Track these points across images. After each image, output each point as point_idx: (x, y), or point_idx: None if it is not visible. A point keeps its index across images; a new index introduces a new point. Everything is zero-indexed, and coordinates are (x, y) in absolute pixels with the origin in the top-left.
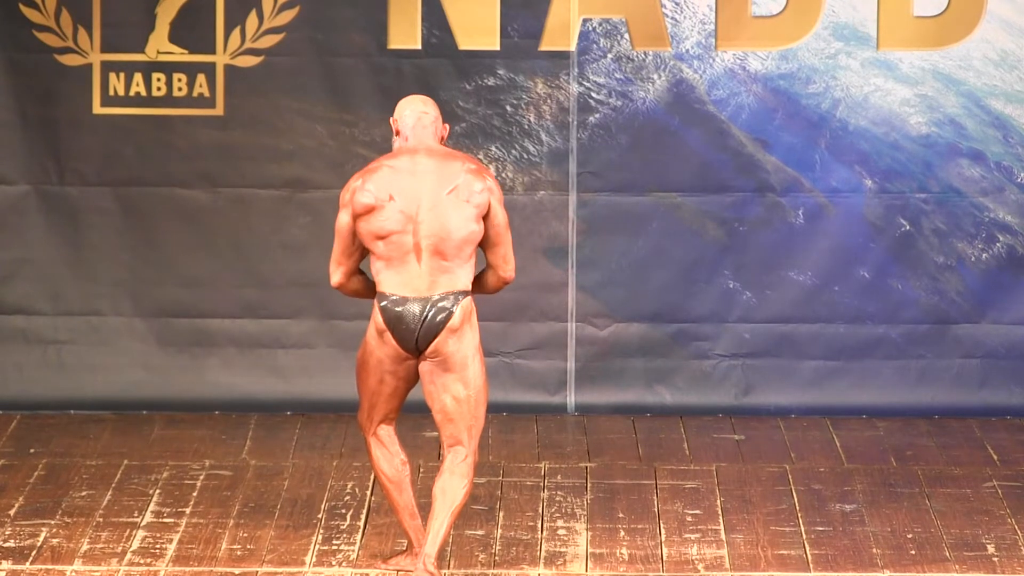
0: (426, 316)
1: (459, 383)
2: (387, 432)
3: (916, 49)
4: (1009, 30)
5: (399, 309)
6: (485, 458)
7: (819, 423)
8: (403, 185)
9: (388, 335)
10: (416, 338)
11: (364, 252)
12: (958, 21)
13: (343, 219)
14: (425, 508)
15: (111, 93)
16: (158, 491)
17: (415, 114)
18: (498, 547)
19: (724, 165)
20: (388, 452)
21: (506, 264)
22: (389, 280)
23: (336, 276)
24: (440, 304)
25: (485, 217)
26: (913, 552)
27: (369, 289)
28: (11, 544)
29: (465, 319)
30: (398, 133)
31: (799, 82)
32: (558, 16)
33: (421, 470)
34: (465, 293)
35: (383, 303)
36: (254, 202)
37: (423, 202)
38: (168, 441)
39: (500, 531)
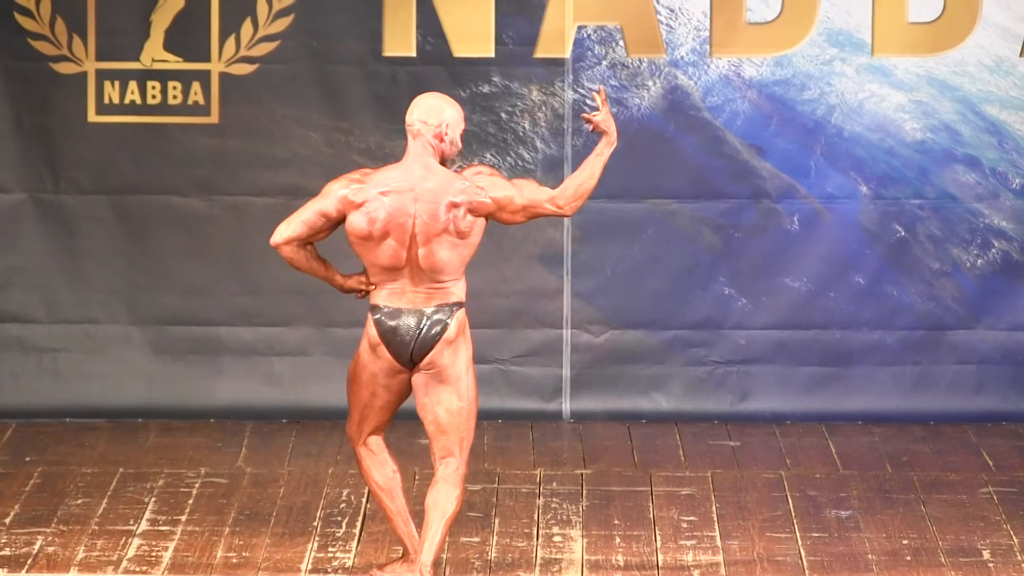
0: (421, 329)
1: (453, 395)
2: (376, 442)
3: (911, 55)
4: (1003, 36)
5: (394, 323)
6: (480, 465)
7: (815, 429)
8: (398, 221)
9: (382, 348)
10: (411, 351)
11: (321, 235)
12: (953, 27)
13: (324, 205)
14: (418, 518)
15: (106, 101)
16: (154, 499)
17: (415, 124)
18: (494, 554)
19: (719, 172)
20: (378, 460)
21: (551, 200)
22: (382, 292)
23: (281, 236)
24: (435, 316)
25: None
26: (909, 558)
27: (309, 264)
28: (7, 552)
29: (460, 331)
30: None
31: (794, 88)
32: (553, 23)
33: (416, 477)
34: (459, 304)
35: (377, 316)
36: (250, 210)
37: (419, 238)
38: (164, 449)
39: (496, 538)
